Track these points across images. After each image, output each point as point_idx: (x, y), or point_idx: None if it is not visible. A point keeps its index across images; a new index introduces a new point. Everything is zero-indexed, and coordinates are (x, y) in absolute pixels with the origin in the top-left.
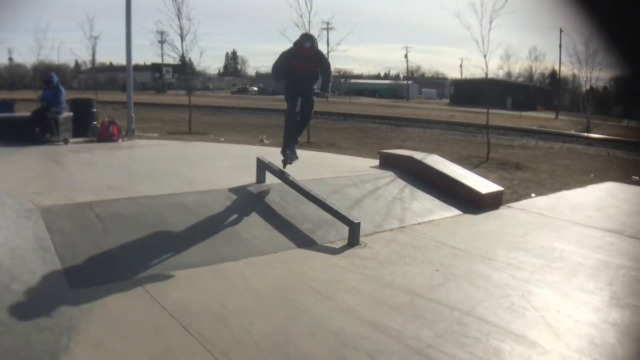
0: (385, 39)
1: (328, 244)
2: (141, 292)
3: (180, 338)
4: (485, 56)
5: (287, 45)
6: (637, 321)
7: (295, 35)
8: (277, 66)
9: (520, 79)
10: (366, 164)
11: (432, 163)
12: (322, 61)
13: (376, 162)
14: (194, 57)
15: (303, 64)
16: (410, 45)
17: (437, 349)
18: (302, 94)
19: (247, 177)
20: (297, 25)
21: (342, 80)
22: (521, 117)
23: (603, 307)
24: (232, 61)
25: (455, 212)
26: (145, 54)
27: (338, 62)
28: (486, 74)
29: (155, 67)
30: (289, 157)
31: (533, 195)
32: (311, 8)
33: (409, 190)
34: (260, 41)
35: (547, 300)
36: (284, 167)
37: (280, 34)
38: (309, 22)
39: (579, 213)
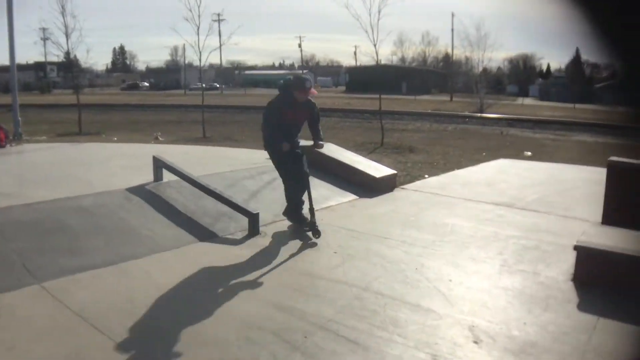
0: (279, 29)
1: (229, 236)
2: (47, 295)
3: (91, 336)
4: (375, 45)
5: (178, 39)
6: (527, 285)
7: (186, 29)
8: (272, 121)
9: (415, 64)
10: (263, 156)
11: (327, 152)
12: (314, 109)
13: None
14: (80, 54)
15: (296, 113)
16: (304, 35)
17: (337, 323)
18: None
19: (144, 175)
20: (187, 20)
21: (237, 72)
22: (416, 101)
23: (494, 274)
24: (121, 56)
25: (351, 197)
26: (28, 53)
27: (230, 54)
28: (377, 62)
29: (39, 66)
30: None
31: (426, 176)
32: (201, 1)
33: None
34: (150, 35)
35: (440, 272)
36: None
37: (170, 28)
38: (199, 16)
39: (470, 190)
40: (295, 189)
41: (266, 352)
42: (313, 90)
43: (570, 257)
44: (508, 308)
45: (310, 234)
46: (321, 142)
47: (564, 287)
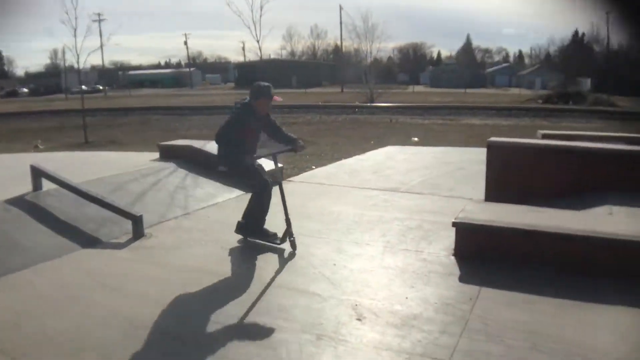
0: (163, 27)
1: (114, 240)
2: None
3: None
4: (258, 41)
5: (55, 42)
6: (409, 262)
7: (64, 32)
8: (230, 136)
9: (304, 57)
10: (147, 158)
11: (211, 150)
12: (268, 119)
13: (157, 155)
14: None
15: (258, 127)
16: (189, 32)
17: (225, 315)
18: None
19: (23, 186)
20: (64, 22)
21: (120, 72)
22: (307, 93)
23: (377, 255)
24: None
25: (238, 192)
26: None
27: (114, 55)
28: (260, 57)
29: None
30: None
31: (313, 167)
32: (77, 3)
33: (190, 178)
34: (28, 39)
35: (325, 257)
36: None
37: (46, 31)
38: (76, 18)
39: (357, 178)
40: (263, 201)
41: (155, 350)
42: (277, 97)
43: (452, 234)
44: (390, 285)
45: (284, 245)
46: (299, 142)
47: (445, 262)
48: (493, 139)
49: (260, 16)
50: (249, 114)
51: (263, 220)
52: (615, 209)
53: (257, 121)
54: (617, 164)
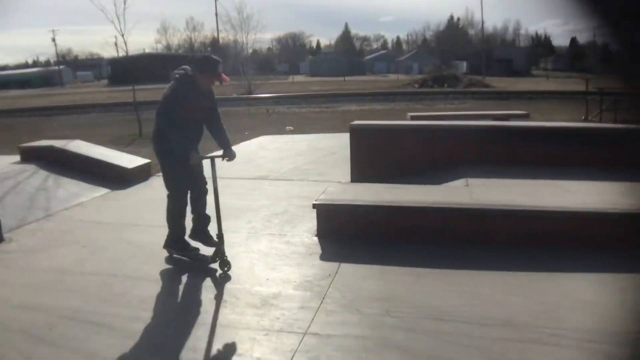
0: (29, 23)
1: None
2: None
3: None
4: (122, 35)
5: None
6: (273, 246)
7: None
8: (171, 115)
9: (181, 51)
10: (7, 162)
11: (75, 149)
12: (213, 98)
13: (18, 157)
14: None
15: (200, 105)
16: (58, 28)
17: (85, 311)
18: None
19: None
20: None
21: None
22: None
23: (241, 242)
24: None
25: (104, 191)
26: None
27: None
28: (127, 52)
29: None
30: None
31: None
32: None
33: (52, 179)
34: None
35: None
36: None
37: None
38: None
39: (228, 168)
40: (182, 206)
41: (12, 349)
42: (225, 76)
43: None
44: (252, 269)
45: (216, 265)
46: (233, 152)
47: (308, 243)
48: (355, 122)
49: (124, 9)
50: (190, 87)
51: (182, 229)
52: (471, 181)
53: (199, 96)
54: (475, 140)
